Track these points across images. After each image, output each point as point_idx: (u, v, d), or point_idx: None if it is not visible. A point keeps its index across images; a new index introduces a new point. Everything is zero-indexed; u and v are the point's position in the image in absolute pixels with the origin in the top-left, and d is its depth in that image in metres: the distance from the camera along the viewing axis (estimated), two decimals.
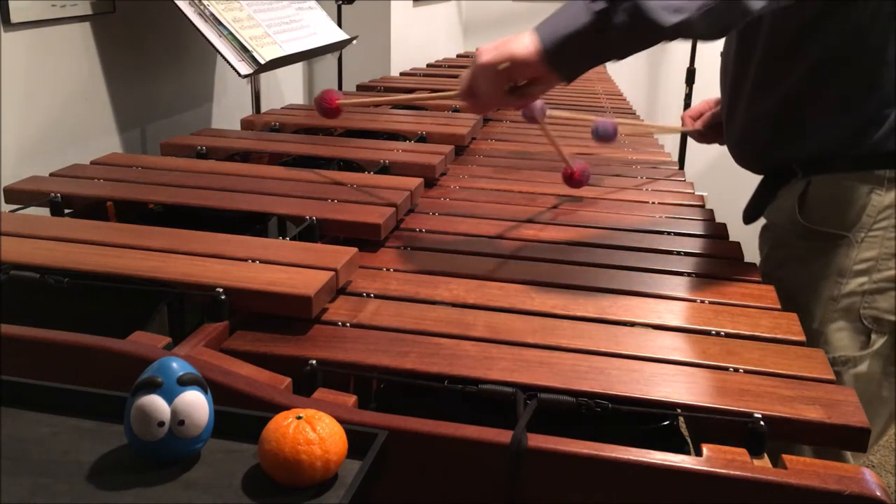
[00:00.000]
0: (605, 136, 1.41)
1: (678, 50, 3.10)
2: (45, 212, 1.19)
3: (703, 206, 1.36)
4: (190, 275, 0.89)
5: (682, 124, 1.51)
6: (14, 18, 1.38)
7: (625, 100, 2.38)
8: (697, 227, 1.25)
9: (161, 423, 0.57)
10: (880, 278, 1.08)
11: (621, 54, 0.91)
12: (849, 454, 1.03)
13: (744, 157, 1.21)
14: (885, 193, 1.06)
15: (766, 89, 1.12)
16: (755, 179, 1.26)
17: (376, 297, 0.96)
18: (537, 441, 0.68)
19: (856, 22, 1.02)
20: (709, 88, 1.54)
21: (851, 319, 1.10)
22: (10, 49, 1.39)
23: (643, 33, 0.87)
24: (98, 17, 1.60)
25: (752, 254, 1.18)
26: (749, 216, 1.24)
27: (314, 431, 0.57)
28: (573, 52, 0.89)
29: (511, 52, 0.90)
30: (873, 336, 1.10)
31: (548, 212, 1.30)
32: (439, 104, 1.77)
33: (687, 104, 2.74)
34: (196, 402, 0.58)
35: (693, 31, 0.85)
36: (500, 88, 0.94)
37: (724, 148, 1.41)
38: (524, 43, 0.90)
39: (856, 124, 1.05)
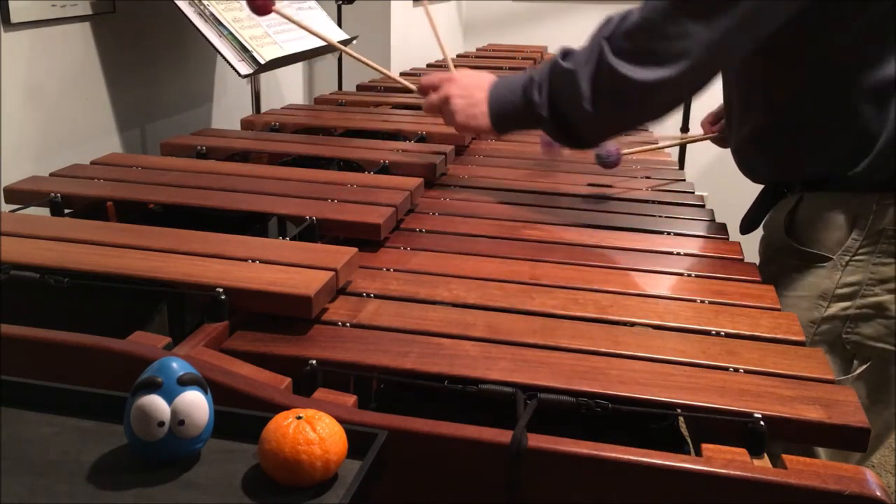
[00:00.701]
0: (608, 164, 1.47)
1: None
2: (45, 212, 1.19)
3: (703, 206, 1.36)
4: (190, 275, 0.89)
5: (703, 132, 1.53)
6: (14, 18, 1.38)
7: None
8: (697, 227, 1.25)
9: (161, 423, 0.57)
10: (864, 304, 1.07)
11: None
12: (821, 451, 1.03)
13: (743, 170, 1.23)
14: (872, 218, 1.05)
15: (747, 114, 1.16)
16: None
17: (376, 297, 0.96)
18: (537, 441, 0.68)
19: (821, 53, 1.03)
20: (714, 86, 1.53)
21: (833, 344, 1.09)
22: (10, 49, 1.39)
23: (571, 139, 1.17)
24: (98, 17, 1.60)
25: (752, 254, 1.18)
26: (746, 227, 1.24)
27: (314, 431, 0.57)
28: (512, 129, 1.26)
29: (477, 128, 1.22)
30: (855, 362, 1.09)
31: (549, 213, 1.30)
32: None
33: (687, 102, 2.73)
34: (196, 402, 0.58)
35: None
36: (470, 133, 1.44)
37: (724, 148, 1.41)
38: (485, 123, 1.21)
39: (837, 152, 1.05)
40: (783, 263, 1.14)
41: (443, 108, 1.24)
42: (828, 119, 1.05)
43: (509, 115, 1.19)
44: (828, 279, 1.08)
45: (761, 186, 1.23)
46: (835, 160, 1.06)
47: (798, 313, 1.04)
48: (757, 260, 1.19)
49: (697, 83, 1.04)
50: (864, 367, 1.08)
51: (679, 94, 1.08)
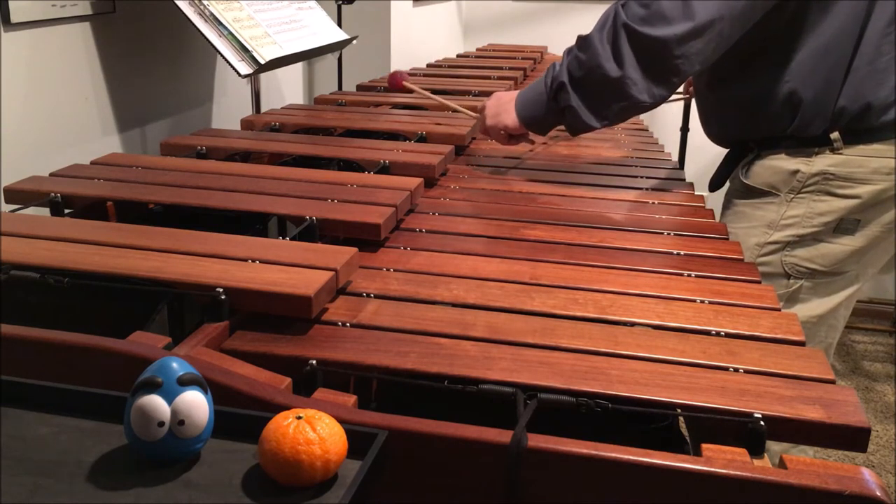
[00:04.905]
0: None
1: None
2: (45, 212, 1.19)
3: (703, 206, 1.36)
4: (190, 275, 0.89)
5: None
6: (14, 18, 1.38)
7: None
8: (697, 228, 1.25)
9: (161, 423, 0.57)
10: (803, 233, 1.32)
11: (573, 132, 1.42)
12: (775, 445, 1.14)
13: (708, 135, 1.48)
14: (812, 164, 1.30)
15: (699, 86, 1.45)
16: None
17: (376, 297, 0.96)
18: (537, 441, 0.68)
19: (754, 39, 1.25)
20: None
21: (775, 266, 1.35)
22: (10, 49, 1.39)
23: (579, 127, 1.36)
24: (98, 17, 1.60)
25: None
26: (714, 185, 1.48)
27: (314, 431, 0.57)
28: (540, 125, 1.45)
29: (504, 124, 1.46)
30: (792, 280, 1.34)
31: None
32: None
33: (687, 103, 2.74)
34: (196, 402, 0.58)
35: (614, 123, 1.38)
36: (503, 138, 1.51)
37: (724, 148, 1.46)
38: (512, 118, 1.45)
39: (770, 118, 1.30)
40: (739, 203, 1.40)
41: (482, 120, 1.52)
42: (762, 90, 1.29)
43: (532, 99, 1.41)
44: (774, 212, 1.34)
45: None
46: (773, 119, 1.30)
47: (748, 240, 1.35)
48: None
49: (708, 42, 1.21)
50: (799, 284, 1.34)
51: (692, 51, 1.21)
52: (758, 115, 1.32)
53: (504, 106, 1.45)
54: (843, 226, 1.31)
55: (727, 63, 1.28)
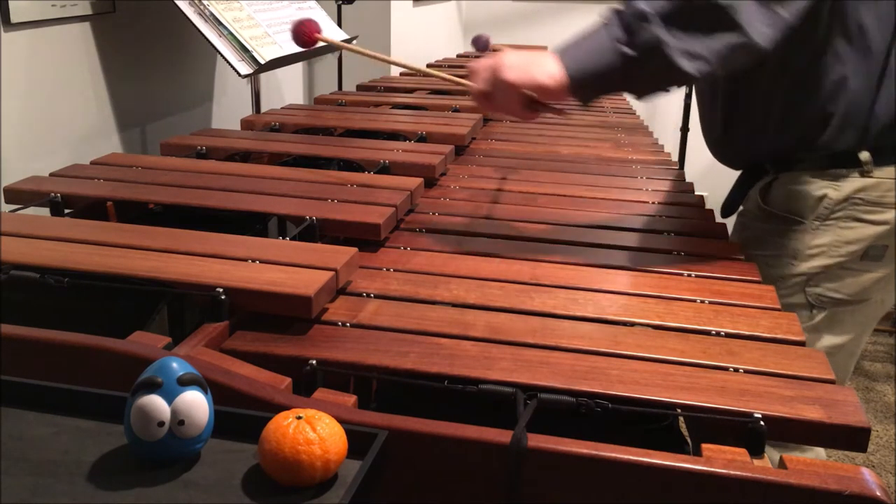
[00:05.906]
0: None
1: None
2: (45, 212, 1.19)
3: (703, 207, 1.36)
4: (190, 275, 0.89)
5: None
6: (14, 18, 1.38)
7: (624, 99, 2.38)
8: (697, 228, 1.25)
9: (161, 423, 0.57)
10: (831, 264, 1.20)
11: (642, 93, 1.04)
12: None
13: (719, 157, 1.33)
14: (840, 188, 1.18)
15: (721, 105, 1.27)
16: None
17: (376, 297, 0.96)
18: (537, 441, 0.68)
19: (784, 52, 1.07)
20: None
21: (798, 297, 1.23)
22: (10, 49, 1.39)
23: (667, 78, 0.99)
24: (98, 17, 1.60)
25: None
26: (726, 210, 1.35)
27: (314, 431, 0.57)
28: (597, 86, 1.01)
29: (538, 80, 1.00)
30: (815, 311, 1.23)
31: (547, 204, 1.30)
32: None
33: (687, 103, 2.74)
34: (196, 402, 0.58)
35: (713, 73, 0.98)
36: (519, 104, 1.03)
37: (735, 170, 1.43)
38: (550, 72, 0.99)
39: (800, 128, 1.17)
40: (757, 228, 1.27)
41: (493, 77, 1.04)
42: (789, 105, 1.17)
43: (587, 47, 1.01)
44: (799, 241, 1.22)
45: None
46: (804, 129, 1.17)
47: (769, 270, 1.22)
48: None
49: None
50: (823, 315, 1.23)
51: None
52: (788, 124, 1.19)
53: (534, 59, 1.03)
54: (871, 253, 1.20)
55: (756, 71, 1.13)
